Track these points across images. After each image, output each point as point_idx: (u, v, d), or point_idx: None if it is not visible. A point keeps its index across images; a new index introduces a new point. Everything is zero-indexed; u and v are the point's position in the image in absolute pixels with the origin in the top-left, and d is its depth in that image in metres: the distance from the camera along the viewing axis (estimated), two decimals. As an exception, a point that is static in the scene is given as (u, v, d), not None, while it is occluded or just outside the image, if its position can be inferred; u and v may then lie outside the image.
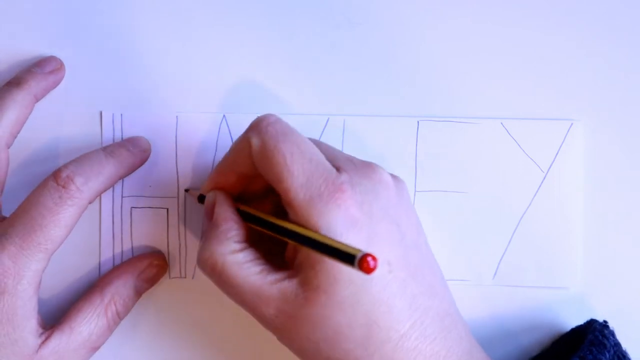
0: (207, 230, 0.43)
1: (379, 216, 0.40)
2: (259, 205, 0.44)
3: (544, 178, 0.48)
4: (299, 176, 0.40)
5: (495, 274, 0.48)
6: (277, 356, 0.49)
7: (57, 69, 0.48)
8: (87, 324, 0.45)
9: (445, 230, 0.48)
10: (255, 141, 0.41)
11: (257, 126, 0.41)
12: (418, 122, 0.49)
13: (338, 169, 0.41)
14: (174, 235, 0.49)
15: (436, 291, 0.41)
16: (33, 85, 0.47)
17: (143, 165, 0.48)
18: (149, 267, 0.48)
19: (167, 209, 0.49)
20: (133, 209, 0.49)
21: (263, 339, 0.49)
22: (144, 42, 0.49)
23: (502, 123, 0.48)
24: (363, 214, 0.40)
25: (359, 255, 0.35)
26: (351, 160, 0.42)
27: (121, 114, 0.49)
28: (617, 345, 0.44)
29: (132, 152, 0.47)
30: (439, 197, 0.48)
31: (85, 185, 0.44)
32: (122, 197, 0.49)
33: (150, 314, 0.49)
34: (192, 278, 0.49)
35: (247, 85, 0.49)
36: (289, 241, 0.41)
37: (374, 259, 0.35)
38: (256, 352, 0.49)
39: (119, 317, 0.47)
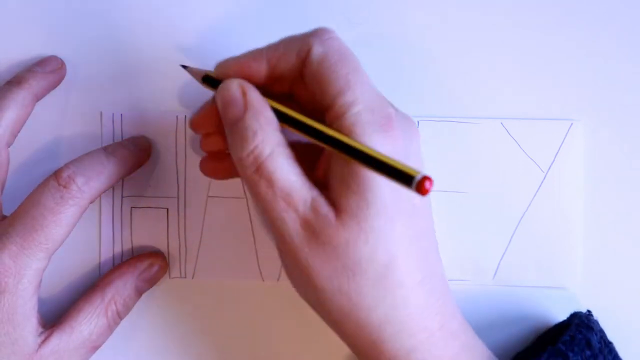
0: (246, 119, 0.39)
1: (413, 155, 0.39)
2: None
3: (544, 178, 0.48)
4: (358, 95, 0.38)
5: (495, 274, 0.48)
6: (277, 356, 0.49)
7: (58, 68, 0.48)
8: (88, 323, 0.45)
9: (445, 230, 0.48)
10: (318, 49, 0.39)
11: (321, 34, 0.40)
12: (418, 122, 0.49)
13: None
14: (174, 235, 0.49)
15: (438, 257, 0.42)
16: (34, 85, 0.47)
17: (143, 165, 0.48)
18: (150, 267, 0.48)
19: (167, 209, 0.49)
20: (133, 209, 0.49)
21: (263, 339, 0.49)
22: (144, 42, 0.49)
23: (502, 123, 0.48)
24: (402, 147, 0.39)
25: (419, 175, 0.35)
26: (391, 104, 0.41)
27: (121, 114, 0.49)
28: (602, 332, 0.45)
29: (133, 152, 0.47)
30: (439, 197, 0.48)
31: (86, 185, 0.44)
32: (122, 197, 0.49)
33: (150, 314, 0.49)
34: (192, 278, 0.49)
35: (247, 85, 0.49)
36: (336, 152, 0.38)
37: (431, 182, 0.34)
38: (256, 352, 0.49)
39: (120, 316, 0.47)
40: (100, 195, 0.46)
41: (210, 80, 0.43)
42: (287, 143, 0.39)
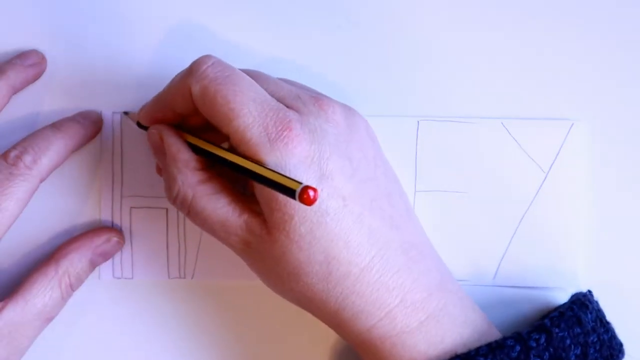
0: (167, 165, 0.43)
1: (328, 152, 0.40)
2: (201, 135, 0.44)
3: (545, 178, 0.48)
4: (244, 117, 0.40)
5: (495, 274, 0.48)
6: (277, 356, 0.49)
7: (37, 62, 0.48)
8: (42, 295, 0.46)
9: (445, 230, 0.48)
10: (195, 87, 0.41)
11: (195, 70, 0.41)
12: (418, 122, 0.48)
13: (286, 107, 0.41)
14: (174, 235, 0.49)
15: (397, 223, 0.42)
16: (12, 77, 0.47)
17: (143, 166, 0.48)
18: (107, 241, 0.48)
19: (167, 209, 0.49)
20: (133, 209, 0.49)
21: (263, 339, 0.49)
22: (144, 43, 0.49)
23: (502, 123, 0.48)
24: (312, 151, 0.40)
25: (299, 188, 0.36)
26: (299, 96, 0.42)
27: (121, 114, 0.49)
28: (600, 311, 0.44)
29: (83, 124, 0.47)
30: (439, 197, 0.48)
31: (34, 163, 0.45)
32: (122, 197, 0.49)
33: (149, 314, 0.49)
34: (192, 278, 0.49)
35: (246, 85, 0.49)
36: (236, 173, 0.41)
37: (314, 191, 0.36)
38: (256, 352, 0.49)
39: (72, 289, 0.47)
40: (52, 171, 0.46)
41: (142, 126, 0.46)
42: (208, 175, 0.42)
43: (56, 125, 0.47)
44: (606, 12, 0.48)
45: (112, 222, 0.49)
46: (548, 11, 0.48)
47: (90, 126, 0.48)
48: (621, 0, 0.48)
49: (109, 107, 0.49)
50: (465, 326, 0.42)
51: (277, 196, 0.40)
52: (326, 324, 0.43)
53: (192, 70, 0.41)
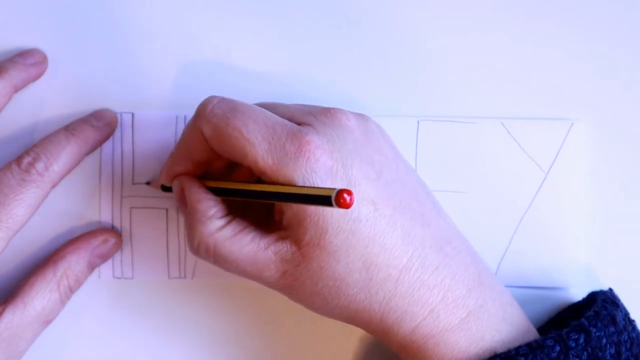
0: (187, 217, 0.43)
1: (350, 160, 0.40)
2: (228, 179, 0.44)
3: (545, 178, 0.48)
4: (260, 144, 0.40)
5: (495, 274, 0.48)
6: (277, 356, 0.49)
7: (39, 61, 0.48)
8: (40, 298, 0.46)
9: (445, 230, 0.48)
10: (206, 129, 0.41)
11: (203, 112, 0.41)
12: (418, 122, 0.49)
13: (299, 124, 0.41)
14: (174, 235, 0.49)
15: (428, 221, 0.42)
16: (14, 75, 0.47)
17: (143, 166, 0.48)
18: (104, 242, 0.48)
19: (167, 209, 0.49)
20: (133, 209, 0.49)
21: (263, 339, 0.49)
22: (144, 43, 0.49)
23: (502, 123, 0.48)
24: (334, 161, 0.40)
25: (333, 193, 0.36)
26: (309, 111, 0.42)
27: (120, 114, 0.49)
28: (626, 309, 0.44)
29: (97, 127, 0.48)
30: (439, 197, 0.48)
31: (46, 170, 0.45)
32: (121, 197, 0.49)
33: (150, 314, 0.49)
34: (192, 278, 0.49)
35: (246, 85, 0.49)
36: (267, 202, 0.41)
37: (349, 193, 0.35)
38: (256, 351, 0.49)
39: (71, 291, 0.47)
40: (64, 177, 0.47)
41: (166, 187, 0.46)
42: (229, 220, 0.42)
43: (69, 130, 0.47)
44: (606, 12, 0.48)
45: (112, 222, 0.49)
46: (548, 11, 0.48)
47: (105, 129, 0.48)
48: (621, 0, 0.48)
49: (110, 106, 0.49)
50: (504, 322, 0.42)
51: (308, 214, 0.39)
52: (374, 334, 0.42)
53: (199, 114, 0.42)
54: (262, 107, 0.42)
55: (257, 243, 0.41)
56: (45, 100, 0.49)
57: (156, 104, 0.49)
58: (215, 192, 0.43)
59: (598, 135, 0.48)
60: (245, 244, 0.41)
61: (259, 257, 0.41)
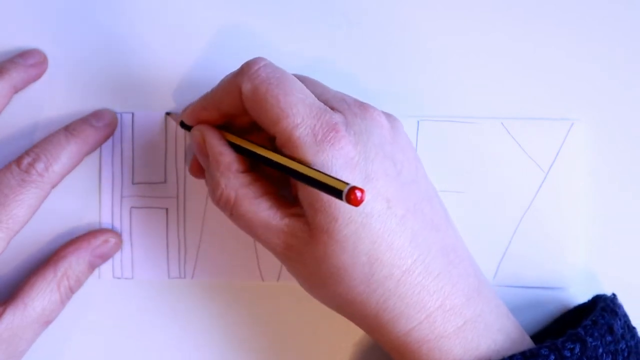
0: (209, 167, 0.43)
1: (373, 154, 0.40)
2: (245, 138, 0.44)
3: (545, 178, 0.48)
4: (293, 117, 0.40)
5: (495, 274, 0.48)
6: (277, 356, 0.49)
7: (39, 62, 0.48)
8: (41, 299, 0.46)
9: (445, 230, 0.48)
10: (246, 86, 0.41)
11: (247, 70, 0.41)
12: (418, 122, 0.49)
13: (332, 109, 0.41)
14: (174, 235, 0.49)
15: (437, 226, 0.42)
16: (14, 76, 0.47)
17: (143, 166, 0.48)
18: (104, 243, 0.48)
19: (167, 209, 0.49)
20: (133, 209, 0.49)
21: (263, 339, 0.49)
22: (144, 43, 0.49)
23: (502, 123, 0.48)
24: (357, 152, 0.40)
25: (346, 188, 0.36)
26: (344, 99, 0.42)
27: (121, 114, 0.49)
28: (626, 316, 0.44)
29: (97, 127, 0.48)
30: (439, 197, 0.48)
31: (46, 171, 0.45)
32: (121, 197, 0.49)
33: (149, 314, 0.49)
34: (192, 278, 0.49)
35: (247, 85, 0.49)
36: (281, 173, 0.41)
37: (361, 191, 0.36)
38: (256, 351, 0.49)
39: (72, 291, 0.47)
40: (64, 177, 0.47)
41: (185, 124, 0.46)
42: (251, 178, 0.42)
43: (69, 130, 0.47)
44: (606, 12, 0.48)
45: (112, 223, 0.49)
46: (548, 11, 0.48)
47: (105, 129, 0.48)
48: (621, 0, 0.48)
49: (110, 106, 0.49)
50: (499, 333, 0.42)
51: (321, 197, 0.40)
52: (363, 328, 0.42)
53: (243, 70, 0.42)
54: (303, 80, 0.43)
55: (275, 212, 0.41)
56: (45, 100, 0.49)
57: (156, 104, 0.49)
58: (234, 147, 0.43)
59: (598, 135, 0.48)
60: (263, 210, 0.41)
61: (271, 224, 0.41)
